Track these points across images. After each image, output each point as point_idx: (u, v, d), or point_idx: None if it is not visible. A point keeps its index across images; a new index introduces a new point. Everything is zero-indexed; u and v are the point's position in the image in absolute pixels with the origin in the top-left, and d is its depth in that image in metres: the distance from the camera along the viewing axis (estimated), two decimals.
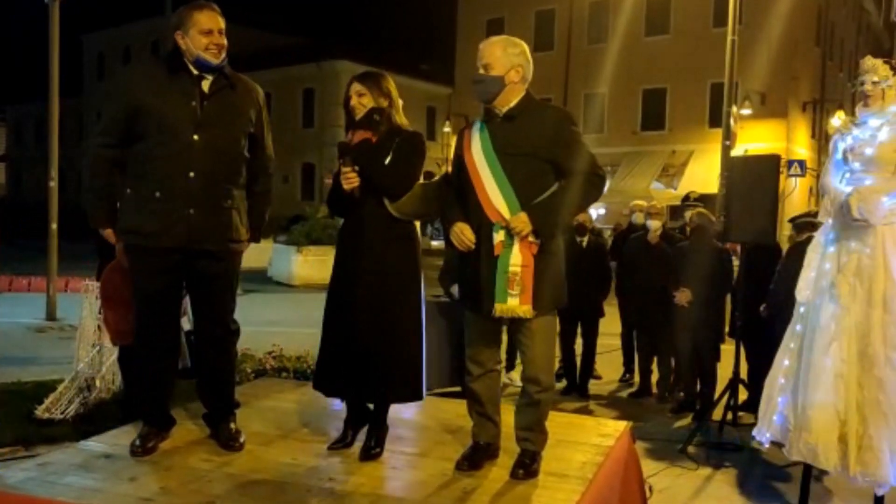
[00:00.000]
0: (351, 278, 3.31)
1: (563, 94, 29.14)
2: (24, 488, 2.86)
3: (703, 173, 22.90)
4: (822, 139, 27.27)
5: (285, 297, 13.88)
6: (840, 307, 3.89)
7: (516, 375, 6.23)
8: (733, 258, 6.79)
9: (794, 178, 15.71)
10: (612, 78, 27.24)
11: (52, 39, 10.55)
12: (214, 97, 3.28)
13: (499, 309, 3.05)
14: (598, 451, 3.46)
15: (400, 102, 3.43)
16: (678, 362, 6.54)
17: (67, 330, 8.91)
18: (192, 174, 3.19)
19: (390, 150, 3.30)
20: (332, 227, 14.56)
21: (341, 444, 3.42)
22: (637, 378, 7.09)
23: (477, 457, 3.24)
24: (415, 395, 3.40)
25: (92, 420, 5.01)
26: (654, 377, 6.84)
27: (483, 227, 3.09)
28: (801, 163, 16.68)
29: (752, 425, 4.48)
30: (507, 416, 3.33)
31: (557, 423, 3.55)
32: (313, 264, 14.84)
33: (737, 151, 15.19)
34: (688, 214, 6.69)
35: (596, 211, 23.63)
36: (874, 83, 3.97)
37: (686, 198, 9.89)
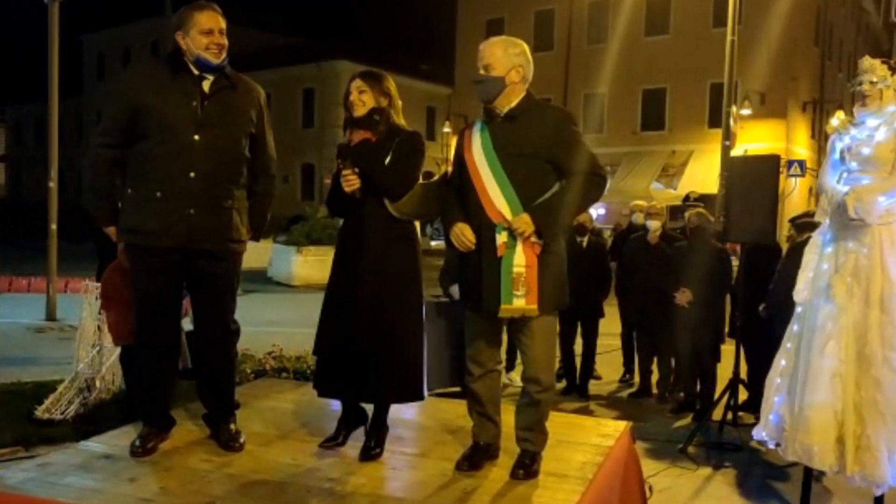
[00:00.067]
0: (351, 278, 3.31)
1: (563, 94, 29.14)
2: (24, 489, 2.86)
3: (703, 173, 22.91)
4: (821, 139, 27.26)
5: (285, 298, 13.88)
6: (837, 307, 3.90)
7: (516, 376, 6.23)
8: (732, 258, 6.80)
9: (793, 178, 15.71)
10: (612, 78, 27.24)
11: (52, 39, 10.55)
12: (215, 97, 3.28)
13: (506, 310, 3.05)
14: (598, 452, 3.46)
15: (399, 103, 3.43)
16: (678, 362, 6.55)
17: (67, 330, 8.91)
18: (192, 174, 3.19)
19: (390, 151, 3.30)
20: (332, 227, 14.56)
21: (332, 442, 3.41)
22: (637, 378, 7.09)
23: (477, 457, 3.24)
24: (415, 396, 3.40)
25: (92, 420, 5.01)
26: (654, 377, 6.84)
27: (483, 227, 3.09)
28: (801, 163, 16.67)
29: (752, 425, 4.48)
30: (507, 417, 3.33)
31: (557, 423, 3.54)
32: (313, 264, 14.83)
33: (736, 151, 15.19)
34: (687, 215, 6.70)
35: (596, 211, 23.60)
36: (872, 83, 3.98)
37: (686, 198, 9.90)
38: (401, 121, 3.41)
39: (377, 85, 3.34)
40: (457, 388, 5.49)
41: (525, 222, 3.01)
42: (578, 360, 6.93)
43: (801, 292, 4.15)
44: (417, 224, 3.49)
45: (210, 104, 3.26)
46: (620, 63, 27.14)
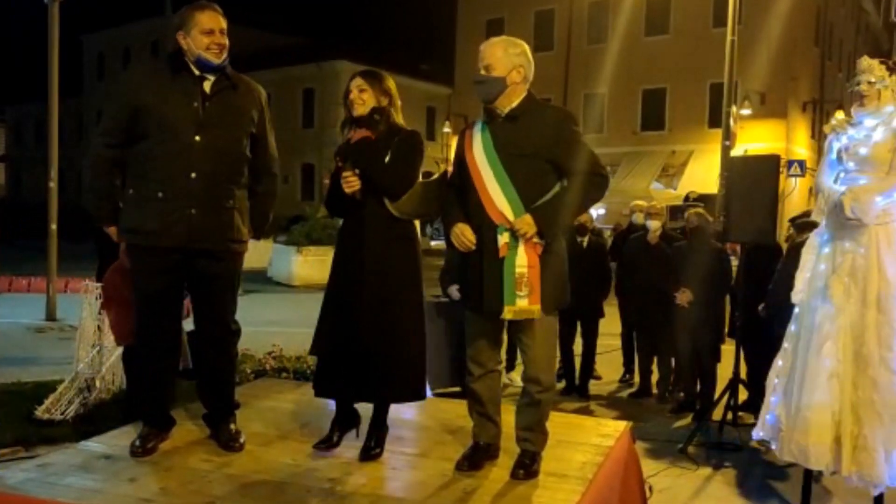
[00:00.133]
0: (351, 278, 3.31)
1: (563, 94, 29.14)
2: (24, 489, 2.85)
3: (703, 173, 22.91)
4: (821, 139, 27.07)
5: (285, 298, 13.88)
6: (834, 307, 3.90)
7: (516, 376, 6.23)
8: (732, 258, 6.80)
9: (793, 178, 15.70)
10: (612, 78, 27.25)
11: (52, 40, 10.55)
12: (216, 97, 3.28)
13: (509, 311, 3.05)
14: (598, 452, 3.46)
15: (399, 103, 3.44)
16: (678, 362, 6.55)
17: (67, 330, 8.91)
18: (193, 175, 3.19)
19: (389, 149, 3.30)
20: (331, 228, 14.56)
21: (326, 443, 3.40)
22: (637, 378, 7.09)
23: (477, 457, 3.24)
24: (415, 395, 3.40)
25: (92, 420, 5.01)
26: (655, 377, 6.84)
27: (484, 227, 3.09)
28: (801, 163, 16.67)
29: (753, 425, 4.49)
30: (508, 417, 3.33)
31: (557, 423, 3.54)
32: (313, 264, 14.83)
33: (736, 151, 15.19)
34: (687, 215, 6.70)
35: (596, 211, 23.63)
36: (870, 83, 3.98)
37: (686, 198, 9.91)
38: (400, 120, 3.41)
39: (377, 84, 3.35)
40: (457, 388, 5.50)
41: (527, 223, 3.01)
42: (578, 361, 6.93)
43: (798, 293, 4.15)
44: (417, 224, 3.49)
45: (211, 104, 3.26)
46: (620, 63, 27.14)
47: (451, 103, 33.55)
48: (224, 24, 3.30)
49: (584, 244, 6.75)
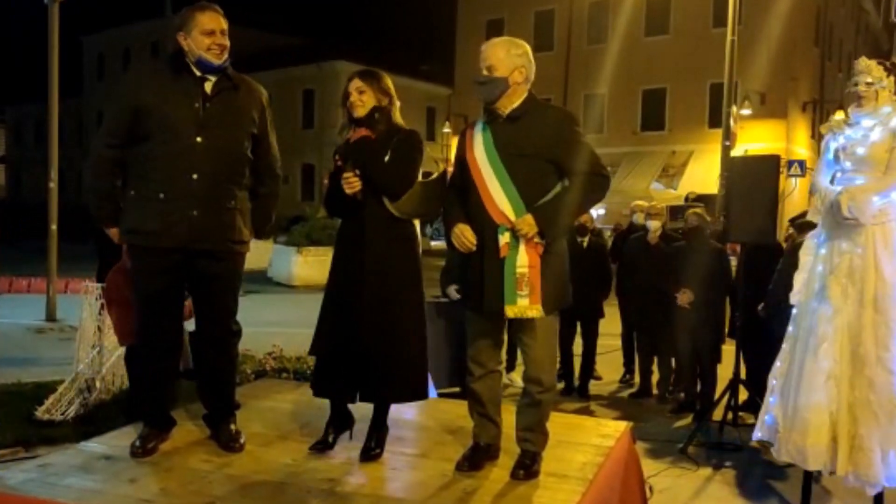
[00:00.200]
0: (352, 279, 3.31)
1: (563, 94, 29.13)
2: (24, 490, 2.86)
3: (703, 173, 22.90)
4: (821, 139, 27.21)
5: (285, 298, 13.88)
6: (832, 308, 3.90)
7: (517, 376, 6.23)
8: (732, 258, 6.80)
9: (793, 178, 15.69)
10: (612, 78, 27.23)
11: (52, 40, 10.56)
12: (217, 98, 3.28)
13: (510, 311, 3.05)
14: (598, 452, 3.46)
15: (398, 102, 3.43)
16: (678, 363, 6.55)
17: (67, 331, 8.91)
18: (195, 176, 3.19)
19: (389, 149, 3.30)
20: (331, 228, 14.55)
21: (322, 445, 3.39)
22: (637, 378, 7.09)
23: (477, 457, 3.24)
24: (415, 396, 3.39)
25: (92, 421, 5.01)
26: (655, 378, 6.84)
27: (486, 227, 3.09)
28: (801, 163, 16.65)
29: (753, 425, 4.49)
30: (508, 417, 3.33)
31: (558, 423, 3.54)
32: (313, 265, 14.83)
33: (737, 152, 15.20)
34: (685, 215, 6.71)
35: (596, 211, 23.62)
36: (868, 84, 3.99)
37: (686, 198, 9.92)
38: (399, 119, 3.41)
39: (376, 83, 3.35)
40: (456, 389, 5.50)
41: (528, 224, 3.01)
42: (578, 361, 6.93)
43: (796, 294, 4.16)
44: (417, 224, 3.49)
45: (212, 105, 3.26)
46: (620, 63, 27.13)
47: (451, 103, 33.53)
48: (225, 24, 3.30)
49: (585, 244, 6.75)
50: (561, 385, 6.67)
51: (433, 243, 21.20)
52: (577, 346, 6.93)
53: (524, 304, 3.04)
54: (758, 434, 4.26)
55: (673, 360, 6.66)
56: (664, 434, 5.72)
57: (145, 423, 3.38)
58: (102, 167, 3.32)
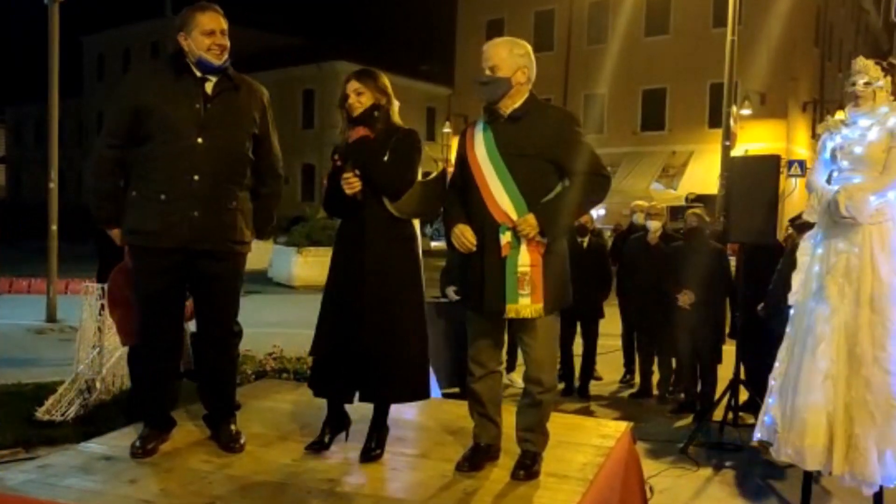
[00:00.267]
0: (352, 279, 3.31)
1: (563, 94, 29.13)
2: (24, 490, 2.85)
3: (703, 174, 22.90)
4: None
5: (285, 299, 13.88)
6: (829, 308, 3.90)
7: (517, 377, 6.23)
8: (732, 259, 6.80)
9: (794, 179, 15.69)
10: (612, 78, 27.23)
11: (52, 40, 10.56)
12: (218, 99, 3.28)
13: (511, 310, 3.05)
14: (598, 452, 3.46)
15: (395, 101, 3.43)
16: (679, 363, 6.55)
17: (67, 331, 8.91)
18: (196, 176, 3.19)
19: (388, 148, 3.30)
20: (331, 228, 14.52)
21: (318, 445, 3.39)
22: (637, 379, 7.09)
23: (477, 458, 3.24)
24: (415, 396, 3.39)
25: (92, 422, 5.01)
26: (655, 378, 6.84)
27: (486, 227, 3.09)
28: (801, 163, 16.66)
29: (753, 425, 4.49)
30: (508, 417, 3.33)
31: (558, 423, 3.54)
32: (313, 265, 14.83)
33: (737, 152, 15.20)
34: (685, 215, 6.71)
35: (596, 211, 23.61)
36: (865, 84, 3.99)
37: (686, 199, 9.92)
38: (397, 119, 3.41)
39: (373, 83, 3.34)
40: (456, 389, 5.50)
41: (529, 224, 3.02)
42: (578, 361, 6.93)
43: (794, 295, 4.16)
44: (417, 224, 3.49)
45: (213, 106, 3.26)
46: (620, 63, 27.13)
47: (451, 103, 33.53)
48: (225, 25, 3.30)
49: (585, 245, 6.75)
50: (561, 385, 6.67)
51: (433, 243, 21.21)
52: (578, 346, 6.93)
53: (525, 304, 3.04)
54: (757, 434, 4.26)
55: (673, 361, 6.66)
56: (664, 434, 5.72)
57: (145, 423, 3.38)
58: (103, 168, 3.32)
